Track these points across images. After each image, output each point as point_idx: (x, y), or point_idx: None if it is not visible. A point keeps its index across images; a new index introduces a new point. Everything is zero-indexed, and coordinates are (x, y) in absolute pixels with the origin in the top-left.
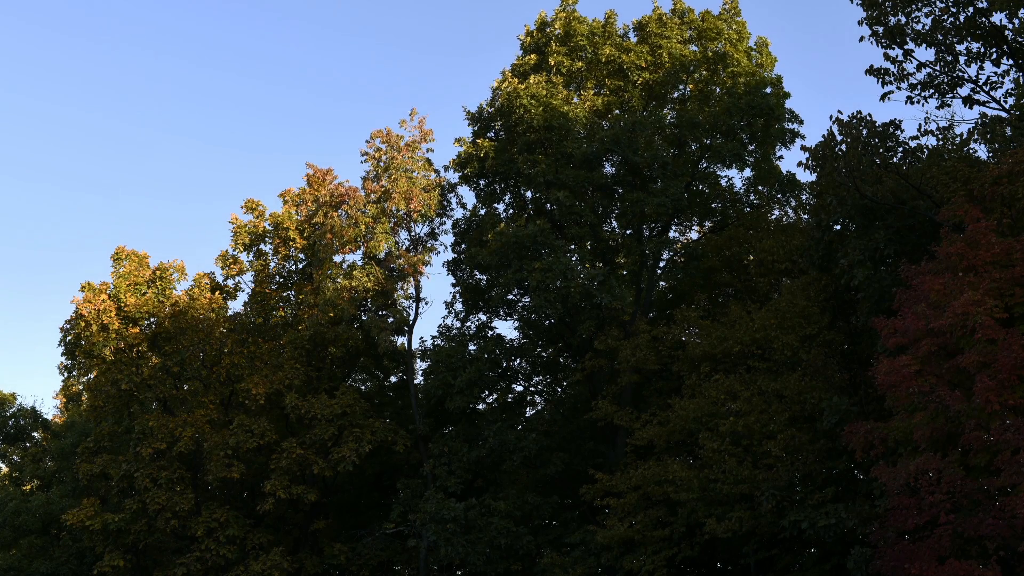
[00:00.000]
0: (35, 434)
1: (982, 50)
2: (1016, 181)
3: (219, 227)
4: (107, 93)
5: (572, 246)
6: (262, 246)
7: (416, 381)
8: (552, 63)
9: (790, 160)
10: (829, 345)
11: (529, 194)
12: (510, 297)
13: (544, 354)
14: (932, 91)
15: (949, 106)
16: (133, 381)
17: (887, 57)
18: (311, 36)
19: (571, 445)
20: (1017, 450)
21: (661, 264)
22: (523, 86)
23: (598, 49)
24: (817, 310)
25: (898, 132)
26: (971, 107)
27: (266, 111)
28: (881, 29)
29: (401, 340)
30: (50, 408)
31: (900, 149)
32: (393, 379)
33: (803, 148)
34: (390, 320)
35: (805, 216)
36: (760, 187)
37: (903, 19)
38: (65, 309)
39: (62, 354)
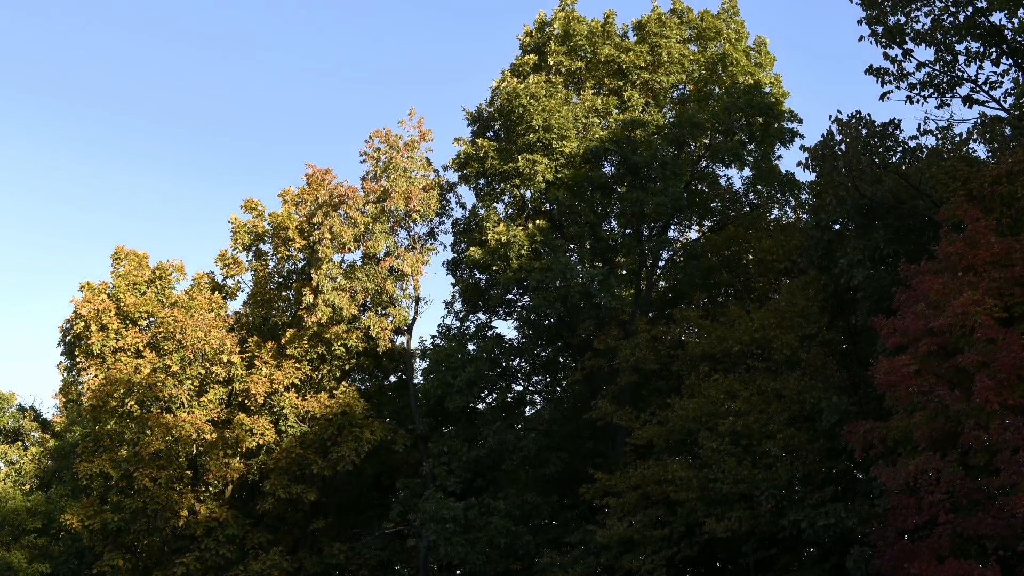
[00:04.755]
0: (35, 434)
1: (981, 50)
2: (1015, 181)
3: (219, 227)
4: (106, 92)
5: (572, 245)
6: (262, 246)
7: (416, 381)
8: (551, 63)
9: (790, 160)
10: (828, 345)
11: (528, 193)
12: (509, 297)
13: (544, 354)
14: (931, 91)
15: (948, 106)
16: (133, 381)
17: (886, 57)
18: (311, 36)
19: (571, 445)
20: (1016, 449)
21: (660, 264)
22: (522, 86)
23: (597, 49)
24: (816, 310)
25: (897, 132)
26: (970, 107)
27: (266, 111)
28: (880, 29)
29: (401, 340)
30: (50, 408)
31: (899, 149)
32: (393, 379)
33: (802, 148)
34: (390, 320)
35: (804, 216)
36: (759, 187)
37: (902, 19)
38: (65, 309)
39: (62, 354)
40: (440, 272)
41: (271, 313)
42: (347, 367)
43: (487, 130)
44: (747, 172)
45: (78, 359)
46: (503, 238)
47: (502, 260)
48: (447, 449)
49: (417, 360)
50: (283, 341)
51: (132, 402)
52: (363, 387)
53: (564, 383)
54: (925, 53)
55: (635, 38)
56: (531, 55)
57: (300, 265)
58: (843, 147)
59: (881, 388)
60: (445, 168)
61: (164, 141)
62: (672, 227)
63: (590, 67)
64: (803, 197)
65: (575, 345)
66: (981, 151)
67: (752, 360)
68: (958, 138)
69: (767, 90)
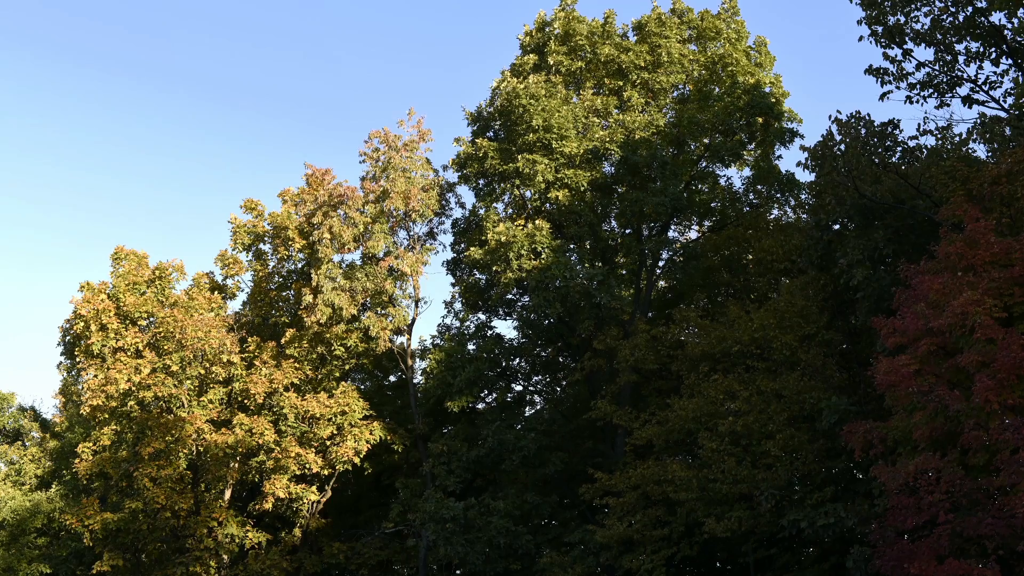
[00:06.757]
0: (35, 434)
1: (981, 50)
2: (1015, 180)
3: (219, 227)
4: (107, 91)
5: (571, 245)
6: (261, 246)
7: (415, 381)
8: (551, 63)
9: (790, 160)
10: (828, 345)
11: (528, 193)
12: (509, 297)
13: (543, 354)
14: (931, 91)
15: (948, 106)
16: (133, 381)
17: (886, 57)
18: (311, 36)
19: (570, 445)
20: (1016, 449)
21: (660, 264)
22: (522, 86)
23: (597, 49)
24: (816, 310)
25: (897, 132)
26: (970, 107)
27: (266, 111)
28: (880, 29)
29: (400, 340)
30: (50, 408)
31: (899, 149)
32: (392, 379)
33: (802, 148)
34: (389, 320)
35: (804, 216)
36: (759, 186)
37: (902, 19)
38: (65, 309)
39: (62, 354)
40: (440, 272)
41: (271, 313)
42: (347, 367)
43: (487, 130)
44: (747, 172)
45: (78, 359)
46: (503, 238)
47: (502, 260)
48: (447, 449)
49: (417, 360)
50: (283, 341)
51: (132, 402)
52: (363, 387)
53: (564, 383)
54: (925, 53)
55: (635, 38)
56: (531, 55)
57: (300, 265)
58: (843, 147)
59: (881, 388)
60: (445, 168)
61: (164, 141)
62: (672, 227)
63: (590, 67)
64: (803, 197)
65: (575, 345)
66: (981, 151)
67: (752, 360)
68: (958, 138)
69: (767, 90)
